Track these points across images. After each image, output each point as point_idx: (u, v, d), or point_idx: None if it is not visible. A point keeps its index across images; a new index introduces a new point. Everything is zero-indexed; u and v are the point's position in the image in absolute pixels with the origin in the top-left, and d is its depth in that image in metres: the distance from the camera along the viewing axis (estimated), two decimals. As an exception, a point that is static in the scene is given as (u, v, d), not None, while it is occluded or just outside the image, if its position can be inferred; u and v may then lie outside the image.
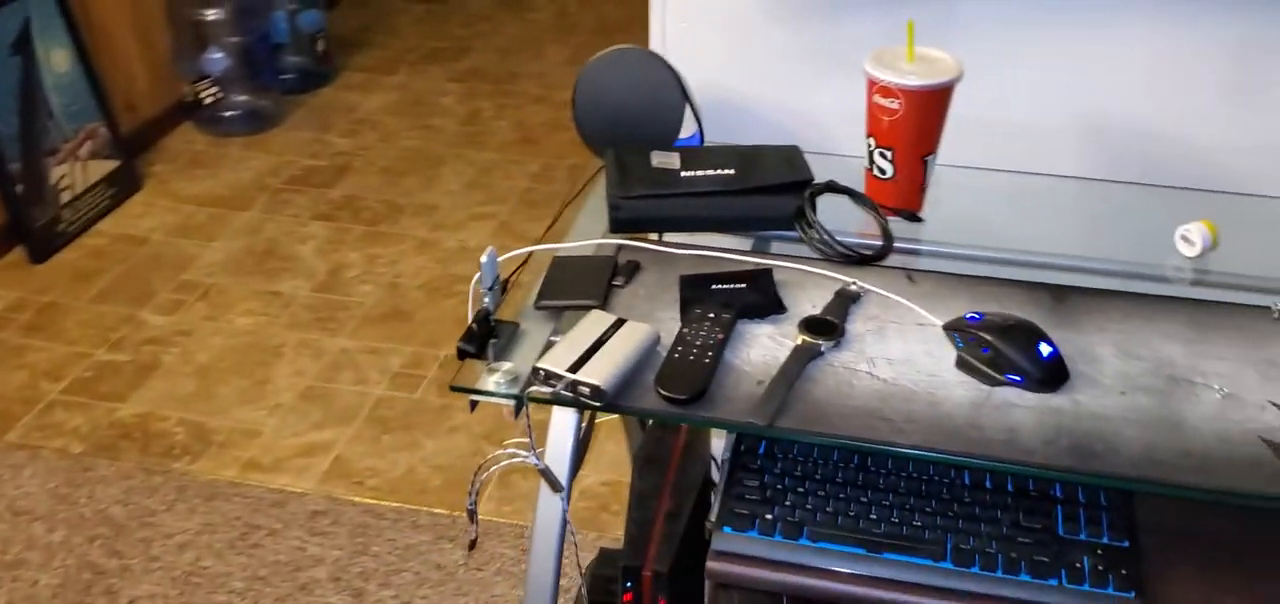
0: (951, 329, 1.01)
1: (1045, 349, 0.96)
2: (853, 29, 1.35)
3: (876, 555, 0.93)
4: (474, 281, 1.07)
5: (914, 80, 1.14)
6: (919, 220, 1.22)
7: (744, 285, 1.07)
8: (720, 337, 0.99)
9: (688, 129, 1.34)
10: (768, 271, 1.10)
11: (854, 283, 1.09)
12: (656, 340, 1.00)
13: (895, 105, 1.16)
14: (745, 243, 1.20)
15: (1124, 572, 0.91)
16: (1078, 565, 0.91)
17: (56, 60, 2.94)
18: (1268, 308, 1.06)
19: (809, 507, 0.96)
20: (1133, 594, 0.90)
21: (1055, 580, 0.90)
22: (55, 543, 1.98)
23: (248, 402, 2.32)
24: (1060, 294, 1.08)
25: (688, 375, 0.94)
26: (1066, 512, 0.96)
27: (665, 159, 1.23)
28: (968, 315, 1.01)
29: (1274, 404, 0.94)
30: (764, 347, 1.00)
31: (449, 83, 3.79)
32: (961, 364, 0.98)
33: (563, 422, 1.04)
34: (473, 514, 1.18)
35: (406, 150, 3.35)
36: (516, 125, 3.48)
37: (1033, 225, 1.27)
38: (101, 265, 2.80)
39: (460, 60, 3.96)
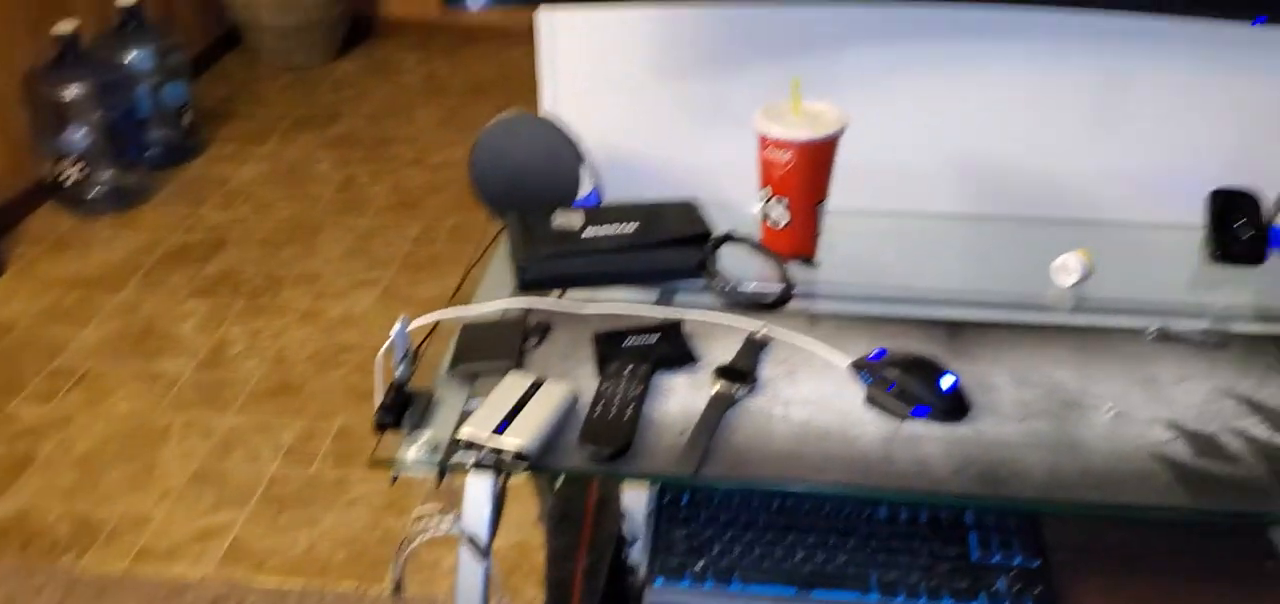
0: (858, 367, 1.05)
1: (946, 381, 1.01)
2: (740, 84, 1.40)
3: (806, 593, 0.96)
4: (380, 353, 1.07)
5: (803, 133, 1.19)
6: (815, 265, 1.26)
7: (656, 338, 1.09)
8: (639, 390, 1.01)
9: (585, 188, 1.36)
10: (677, 324, 1.12)
11: (761, 329, 1.12)
12: (576, 399, 1.01)
13: (786, 158, 1.20)
14: (651, 295, 1.22)
15: (1038, 590, 0.95)
16: (995, 588, 0.95)
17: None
18: (1143, 330, 1.13)
19: (737, 552, 0.99)
20: (1046, 610, 0.95)
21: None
22: (-68, 654, 1.88)
23: (135, 488, 2.25)
24: (954, 329, 1.13)
25: (612, 431, 0.96)
26: (980, 537, 1.01)
27: (568, 218, 1.25)
28: (871, 354, 1.05)
29: (1160, 420, 1.00)
30: (681, 397, 1.02)
31: (322, 150, 3.75)
32: (870, 401, 1.02)
33: (480, 487, 1.04)
34: (398, 586, 1.17)
35: (283, 220, 3.30)
36: (393, 189, 3.45)
37: (923, 263, 1.33)
38: (-35, 358, 2.68)
39: (331, 126, 3.92)
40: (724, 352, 1.09)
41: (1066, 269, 1.22)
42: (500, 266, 1.26)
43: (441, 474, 0.97)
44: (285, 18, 4.27)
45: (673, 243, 1.22)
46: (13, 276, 3.01)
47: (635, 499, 1.19)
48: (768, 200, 1.24)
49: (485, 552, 1.03)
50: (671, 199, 1.30)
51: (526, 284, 1.20)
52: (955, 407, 1.00)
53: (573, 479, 1.29)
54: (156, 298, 2.91)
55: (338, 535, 2.12)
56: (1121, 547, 1.03)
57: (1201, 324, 1.15)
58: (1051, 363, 1.08)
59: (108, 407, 2.49)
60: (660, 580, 0.97)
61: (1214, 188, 1.30)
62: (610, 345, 1.08)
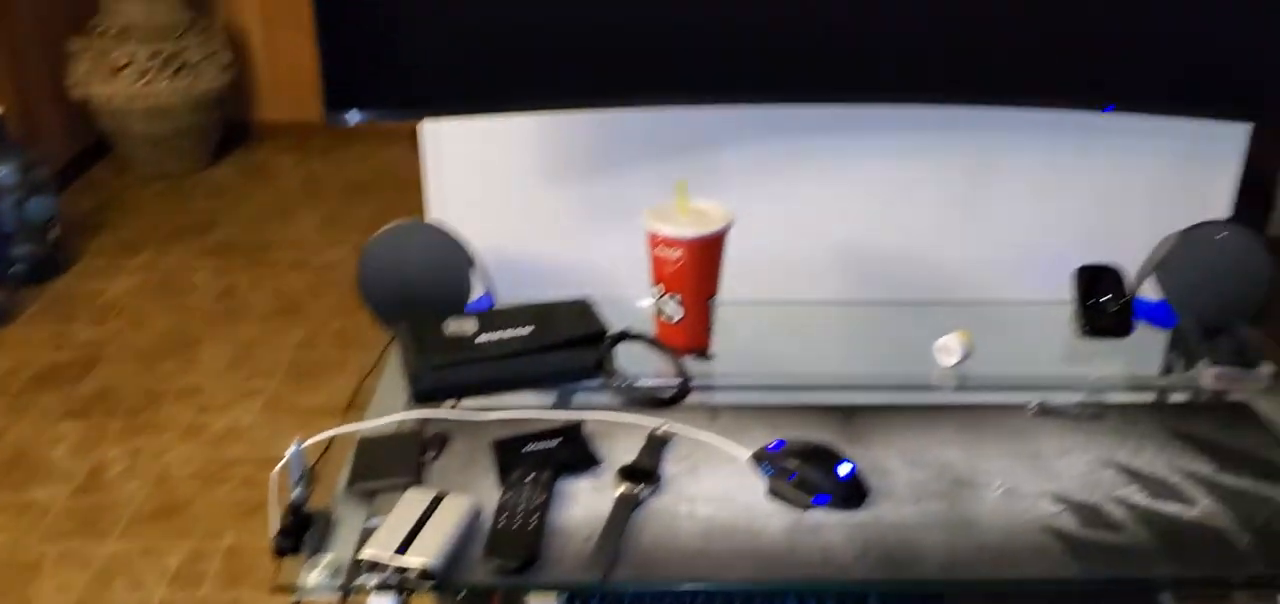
0: (758, 459, 1.07)
1: (844, 469, 1.03)
2: (628, 182, 1.43)
3: (719, 692, 0.96)
4: (274, 472, 1.04)
5: (692, 231, 1.21)
6: (711, 358, 1.28)
7: (557, 442, 1.10)
8: (542, 498, 1.00)
9: (477, 292, 1.36)
10: (577, 426, 1.13)
11: (661, 426, 1.13)
12: (479, 511, 1.01)
13: (677, 255, 1.22)
14: (549, 398, 1.22)
15: (942, 668, 0.97)
16: (902, 669, 0.97)
17: None
18: (1024, 406, 1.18)
19: (648, 654, 0.99)
20: (952, 687, 0.97)
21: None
22: None
23: (6, 627, 2.13)
24: (847, 413, 1.16)
25: (517, 542, 0.95)
26: (884, 620, 1.03)
27: (461, 325, 1.25)
28: (770, 445, 1.07)
29: (1047, 494, 1.04)
30: (586, 501, 1.03)
31: (199, 258, 3.66)
32: (773, 493, 1.03)
33: (383, 605, 1.03)
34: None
35: (161, 333, 3.20)
36: (275, 294, 3.39)
37: (813, 350, 1.36)
38: None
39: (208, 234, 3.84)
40: (626, 451, 1.09)
41: (948, 350, 1.27)
42: (393, 377, 1.25)
43: (345, 597, 0.95)
44: (157, 126, 4.18)
45: (568, 344, 1.23)
46: None
47: (538, 606, 1.18)
48: (660, 296, 1.26)
49: (392, 673, 1.01)
50: (564, 298, 1.31)
51: (421, 396, 1.19)
52: (854, 493, 1.02)
53: (477, 594, 1.27)
54: (25, 423, 2.79)
55: (229, 660, 2.04)
56: (1020, 619, 1.06)
57: (1077, 397, 1.20)
58: (940, 443, 1.11)
59: (-25, 541, 2.37)
60: (573, 690, 0.97)
61: (1080, 264, 1.37)
62: (510, 453, 1.08)
